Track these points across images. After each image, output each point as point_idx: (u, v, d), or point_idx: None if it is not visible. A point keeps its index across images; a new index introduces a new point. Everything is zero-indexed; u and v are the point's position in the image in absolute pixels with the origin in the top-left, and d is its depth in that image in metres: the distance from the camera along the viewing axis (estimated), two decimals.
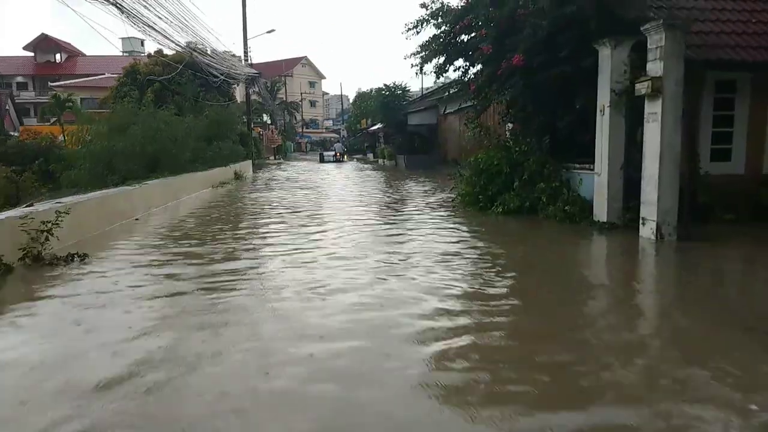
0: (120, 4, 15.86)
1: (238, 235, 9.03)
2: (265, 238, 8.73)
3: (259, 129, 45.66)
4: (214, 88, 26.41)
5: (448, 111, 26.87)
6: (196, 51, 24.82)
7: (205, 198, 15.21)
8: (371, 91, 62.94)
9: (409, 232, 8.77)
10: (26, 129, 32.11)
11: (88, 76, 45.48)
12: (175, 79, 25.43)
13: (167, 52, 27.32)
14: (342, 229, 9.09)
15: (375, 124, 46.36)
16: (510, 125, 11.52)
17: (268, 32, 33.71)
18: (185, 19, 21.20)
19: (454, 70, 11.05)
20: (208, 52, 26.32)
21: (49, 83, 47.37)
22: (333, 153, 46.15)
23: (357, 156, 54.83)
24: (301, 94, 76.01)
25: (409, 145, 29.88)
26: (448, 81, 15.02)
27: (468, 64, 10.86)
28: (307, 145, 74.74)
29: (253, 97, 51.91)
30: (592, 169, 8.90)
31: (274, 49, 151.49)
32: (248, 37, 32.74)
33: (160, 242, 8.25)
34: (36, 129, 31.04)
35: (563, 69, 8.70)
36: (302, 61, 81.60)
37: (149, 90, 25.78)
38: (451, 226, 9.26)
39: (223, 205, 13.65)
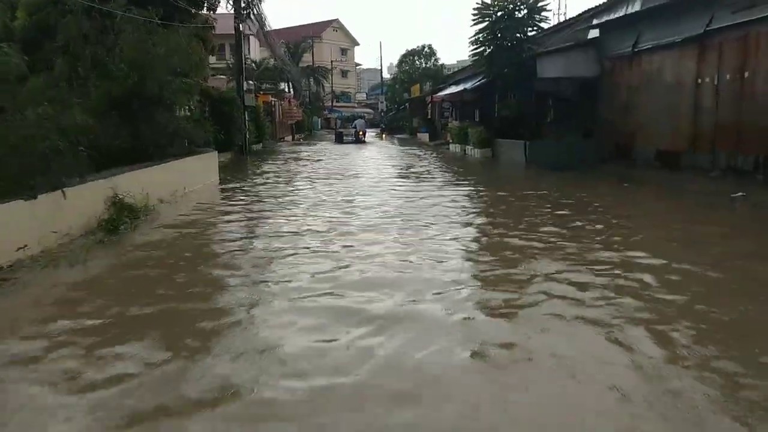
0: None
1: None
2: None
3: (270, 97, 32.18)
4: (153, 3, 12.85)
5: (643, 45, 12.67)
6: None
7: None
8: (423, 47, 48.69)
9: None
10: None
11: None
12: None
13: None
14: None
15: (437, 90, 32.32)
16: None
17: None
18: None
19: None
20: None
21: None
22: (354, 131, 33.09)
23: (399, 136, 41.05)
24: (332, 62, 62.27)
25: (536, 119, 15.80)
26: None
27: None
28: (337, 121, 61.94)
29: (261, 52, 38.21)
30: None
31: (302, 13, 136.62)
32: None
33: None
34: None
35: None
36: (333, 25, 68.18)
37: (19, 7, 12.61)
38: None
39: None
